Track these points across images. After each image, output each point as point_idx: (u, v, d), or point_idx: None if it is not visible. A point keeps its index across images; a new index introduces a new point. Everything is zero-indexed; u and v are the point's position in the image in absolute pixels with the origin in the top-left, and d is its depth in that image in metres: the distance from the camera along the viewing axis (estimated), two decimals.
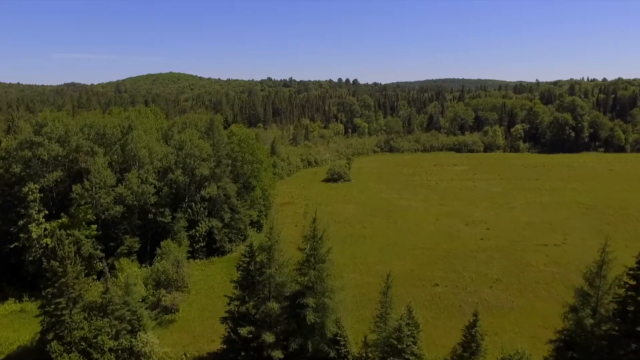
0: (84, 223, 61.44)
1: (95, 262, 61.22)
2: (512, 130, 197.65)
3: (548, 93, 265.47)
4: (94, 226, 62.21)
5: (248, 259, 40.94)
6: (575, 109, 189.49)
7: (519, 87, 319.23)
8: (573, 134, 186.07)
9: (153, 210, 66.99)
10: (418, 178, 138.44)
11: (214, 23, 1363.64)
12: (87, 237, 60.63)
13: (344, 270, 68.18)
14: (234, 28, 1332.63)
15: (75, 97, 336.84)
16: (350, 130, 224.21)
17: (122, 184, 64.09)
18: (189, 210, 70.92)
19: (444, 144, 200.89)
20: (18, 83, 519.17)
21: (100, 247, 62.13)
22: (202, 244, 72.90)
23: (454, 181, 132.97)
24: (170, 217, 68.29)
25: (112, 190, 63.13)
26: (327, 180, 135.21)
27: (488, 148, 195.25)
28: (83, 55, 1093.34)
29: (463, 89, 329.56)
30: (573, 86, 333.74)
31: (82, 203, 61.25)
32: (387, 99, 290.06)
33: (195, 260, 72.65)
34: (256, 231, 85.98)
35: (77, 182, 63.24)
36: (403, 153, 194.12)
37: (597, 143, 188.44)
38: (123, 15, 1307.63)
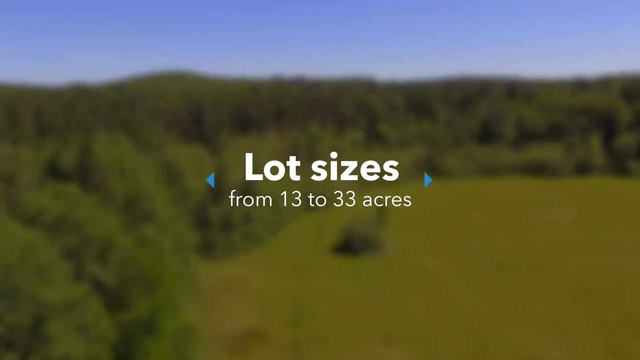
0: None
1: None
2: (615, 143, 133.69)
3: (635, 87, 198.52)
4: None
5: None
6: None
7: (585, 83, 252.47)
8: None
9: None
10: (506, 242, 75.89)
11: (224, 17, 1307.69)
12: None
13: None
14: (241, 22, 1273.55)
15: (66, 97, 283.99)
16: (372, 140, 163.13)
17: None
18: None
19: (510, 164, 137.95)
20: (20, 83, 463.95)
21: None
22: None
23: (580, 253, 70.04)
24: None
25: None
26: (340, 250, 73.72)
27: (579, 170, 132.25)
28: (88, 52, 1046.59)
29: (514, 86, 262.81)
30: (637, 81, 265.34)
31: None
32: (418, 98, 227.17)
33: None
34: None
35: None
36: (453, 177, 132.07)
37: None
38: (130, 11, 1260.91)
